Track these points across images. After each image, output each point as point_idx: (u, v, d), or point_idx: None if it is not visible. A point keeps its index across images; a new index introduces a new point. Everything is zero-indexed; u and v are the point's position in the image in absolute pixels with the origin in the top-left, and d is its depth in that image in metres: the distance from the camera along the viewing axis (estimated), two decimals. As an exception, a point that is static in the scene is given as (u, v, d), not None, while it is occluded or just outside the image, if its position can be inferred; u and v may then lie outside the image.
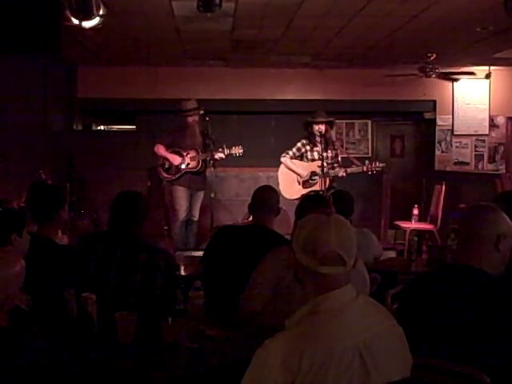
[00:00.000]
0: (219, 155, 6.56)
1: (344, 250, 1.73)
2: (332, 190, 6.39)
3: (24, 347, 1.93)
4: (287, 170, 6.66)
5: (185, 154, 6.61)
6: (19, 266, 2.08)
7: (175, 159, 6.60)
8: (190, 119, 6.63)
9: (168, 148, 6.66)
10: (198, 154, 6.57)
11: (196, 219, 6.74)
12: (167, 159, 6.65)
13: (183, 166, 6.58)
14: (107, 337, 2.43)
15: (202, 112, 6.60)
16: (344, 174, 6.37)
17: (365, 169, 6.43)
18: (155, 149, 6.70)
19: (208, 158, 6.57)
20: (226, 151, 6.61)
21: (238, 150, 6.65)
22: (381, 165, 6.50)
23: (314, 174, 6.48)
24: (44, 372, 1.90)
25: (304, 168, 6.55)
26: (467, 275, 2.14)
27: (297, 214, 3.07)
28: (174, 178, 6.66)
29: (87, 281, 2.80)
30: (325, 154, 6.33)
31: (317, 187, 6.41)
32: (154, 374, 2.15)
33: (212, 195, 6.41)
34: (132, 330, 2.40)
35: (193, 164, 6.59)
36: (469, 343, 2.00)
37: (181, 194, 6.63)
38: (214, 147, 6.55)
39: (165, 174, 6.73)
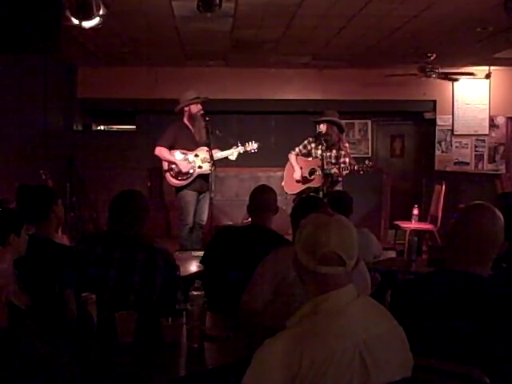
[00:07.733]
0: (231, 154, 6.08)
1: (344, 250, 1.73)
2: (337, 186, 6.42)
3: (24, 347, 1.93)
4: (291, 166, 6.71)
5: (193, 155, 6.00)
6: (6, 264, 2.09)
7: (183, 166, 5.95)
8: (194, 108, 5.94)
9: (171, 149, 6.00)
10: (210, 155, 5.72)
11: (204, 223, 6.16)
12: (175, 164, 5.98)
13: (197, 171, 5.98)
14: (107, 337, 2.43)
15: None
16: (337, 171, 6.36)
17: (355, 168, 6.41)
18: (156, 152, 6.01)
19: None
20: (241, 149, 6.12)
21: (252, 147, 6.17)
22: (370, 164, 6.47)
23: (312, 170, 6.50)
24: (44, 372, 1.90)
25: (305, 165, 6.57)
26: (474, 284, 2.05)
27: (292, 216, 3.08)
28: (185, 183, 6.03)
29: (87, 281, 2.80)
30: (326, 154, 6.33)
31: (314, 184, 6.42)
32: (154, 374, 2.15)
33: (212, 195, 6.14)
34: (132, 330, 2.40)
35: (205, 167, 5.92)
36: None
37: (190, 198, 6.05)
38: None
39: (175, 181, 6.04)
